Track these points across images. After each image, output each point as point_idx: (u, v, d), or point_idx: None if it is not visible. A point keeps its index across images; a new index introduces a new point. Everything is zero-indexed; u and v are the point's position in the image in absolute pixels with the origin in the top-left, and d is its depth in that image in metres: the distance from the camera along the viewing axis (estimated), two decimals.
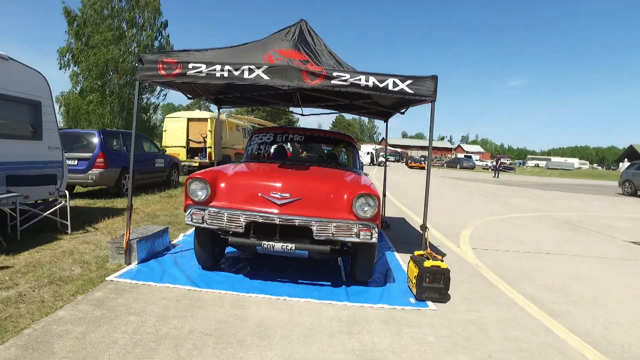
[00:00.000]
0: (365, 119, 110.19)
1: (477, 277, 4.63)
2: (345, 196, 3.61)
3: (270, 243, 3.62)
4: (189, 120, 16.28)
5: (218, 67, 4.00)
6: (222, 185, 3.74)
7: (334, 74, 4.00)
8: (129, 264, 4.13)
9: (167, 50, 23.93)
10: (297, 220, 3.58)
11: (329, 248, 3.64)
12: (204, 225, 3.69)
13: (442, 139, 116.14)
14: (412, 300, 3.73)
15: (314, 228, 3.57)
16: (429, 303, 3.68)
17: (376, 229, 3.61)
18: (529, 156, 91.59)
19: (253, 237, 3.69)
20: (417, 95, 4.05)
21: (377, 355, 2.68)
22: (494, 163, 32.89)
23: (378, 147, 54.37)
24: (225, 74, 4.00)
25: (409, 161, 41.57)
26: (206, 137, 16.06)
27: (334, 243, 3.70)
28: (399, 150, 57.20)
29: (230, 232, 3.78)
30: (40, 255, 4.30)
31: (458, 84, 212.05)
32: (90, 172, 8.09)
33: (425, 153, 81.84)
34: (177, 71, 4.02)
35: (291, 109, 7.81)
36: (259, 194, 3.64)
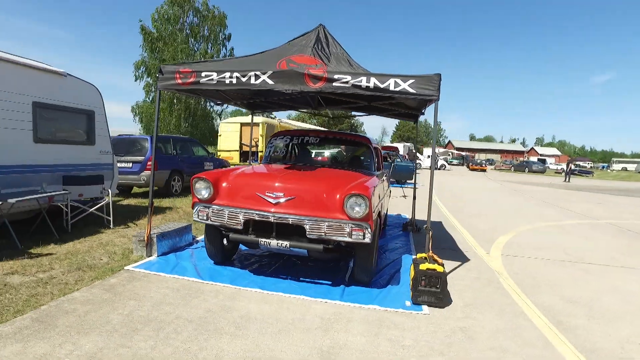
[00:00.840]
0: (431, 122, 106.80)
1: (492, 284, 4.38)
2: (338, 196, 3.66)
3: (267, 240, 3.80)
4: (242, 125, 17.16)
5: (227, 74, 4.27)
6: (224, 184, 3.99)
7: (335, 76, 4.07)
8: (150, 256, 4.55)
9: None
10: (290, 219, 3.71)
11: (322, 247, 3.71)
12: (209, 221, 3.97)
13: (514, 141, 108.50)
14: (408, 303, 3.66)
15: (307, 227, 3.67)
16: (425, 307, 3.59)
17: (369, 229, 3.61)
18: (614, 159, 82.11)
19: (252, 234, 3.89)
20: (419, 95, 3.97)
21: (343, 354, 2.71)
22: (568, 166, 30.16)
23: (442, 150, 52.44)
24: (234, 81, 4.26)
25: (470, 164, 40.04)
26: (258, 141, 16.80)
27: (328, 242, 3.76)
28: (463, 153, 54.64)
29: (233, 229, 4.01)
30: (81, 245, 4.90)
31: (535, 82, 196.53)
32: (142, 174, 8.94)
33: (493, 156, 77.15)
34: (192, 79, 4.36)
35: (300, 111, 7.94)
36: (256, 193, 3.83)
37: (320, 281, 4.15)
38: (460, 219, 8.92)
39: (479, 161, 41.20)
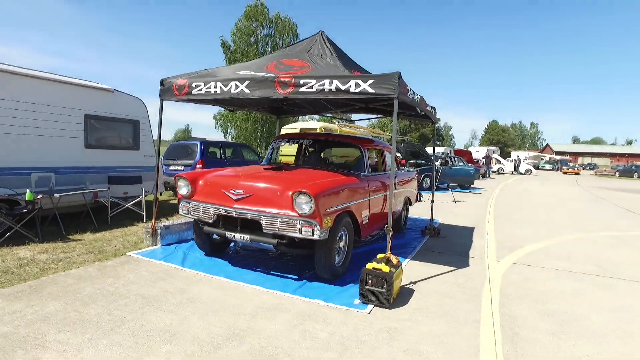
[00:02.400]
0: (527, 124, 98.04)
1: (470, 291, 4.14)
2: (289, 193, 3.86)
3: (232, 233, 4.16)
4: (301, 130, 17.90)
5: (212, 84, 4.74)
6: (200, 182, 4.45)
7: (302, 81, 4.27)
8: (155, 245, 5.21)
9: None
10: (249, 214, 4.01)
11: (276, 241, 3.95)
12: (189, 215, 4.47)
13: (630, 143, 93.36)
14: (357, 301, 3.69)
15: (263, 222, 3.95)
16: (371, 306, 3.59)
17: (318, 226, 3.74)
18: None
19: (222, 228, 4.28)
20: (379, 95, 3.97)
21: (251, 336, 2.92)
22: None
23: (532, 154, 47.80)
24: (218, 90, 4.71)
25: (563, 167, 36.20)
26: None
27: (282, 237, 3.97)
28: (557, 157, 48.94)
29: (206, 223, 4.45)
30: (109, 234, 5.80)
31: None
32: None
33: (600, 160, 67.52)
34: (185, 91, 4.93)
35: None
36: (222, 191, 4.21)
37: (288, 275, 4.36)
38: (499, 224, 8.27)
39: (572, 165, 37.00)
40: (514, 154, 41.01)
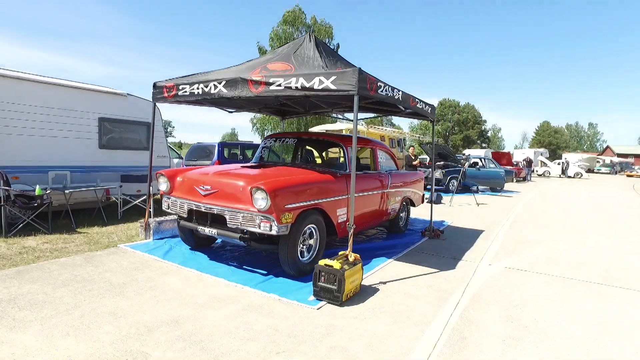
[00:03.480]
0: (585, 125, 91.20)
1: (437, 293, 3.99)
2: (248, 189, 3.96)
3: (203, 227, 4.33)
4: (327, 132, 17.99)
5: (195, 86, 4.97)
6: (178, 179, 4.67)
7: (271, 80, 4.36)
8: (147, 239, 5.53)
9: None
10: (215, 209, 4.16)
11: (238, 236, 4.06)
12: (169, 210, 4.71)
13: None
14: (311, 297, 3.70)
15: (227, 217, 4.08)
16: (323, 303, 3.59)
17: (275, 222, 3.81)
18: None
19: (194, 222, 4.47)
20: (340, 91, 3.97)
21: (189, 323, 3.04)
22: None
23: (585, 156, 44.31)
24: (200, 91, 4.93)
25: (626, 171, 33.29)
26: None
27: (244, 232, 4.07)
28: (617, 159, 44.77)
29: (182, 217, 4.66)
30: (113, 228, 6.22)
31: None
32: None
33: None
34: (174, 92, 5.20)
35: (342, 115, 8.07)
36: (194, 187, 4.40)
37: (258, 270, 4.46)
38: (514, 228, 7.82)
39: (637, 168, 33.91)
40: (563, 157, 38.35)
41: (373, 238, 6.48)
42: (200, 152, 10.78)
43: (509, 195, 14.75)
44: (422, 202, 7.95)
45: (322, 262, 3.68)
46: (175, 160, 10.84)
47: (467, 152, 30.07)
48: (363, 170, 5.93)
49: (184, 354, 2.62)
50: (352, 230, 4.03)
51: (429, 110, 6.20)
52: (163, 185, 4.72)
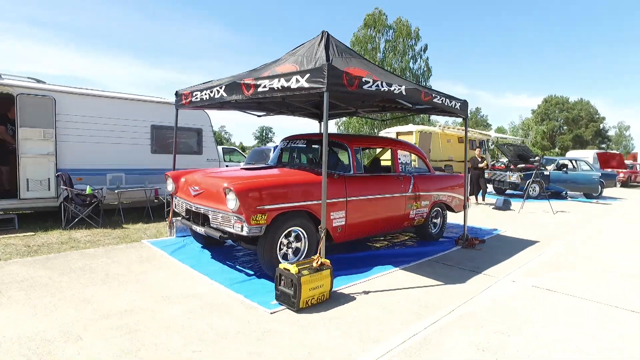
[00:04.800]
0: None
1: (422, 310, 3.57)
2: (221, 190, 4.03)
3: (195, 226, 4.54)
4: (398, 134, 17.34)
5: (205, 91, 5.25)
6: (181, 180, 4.97)
7: (259, 82, 4.40)
8: (171, 236, 5.99)
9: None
10: (202, 209, 4.34)
11: (219, 235, 4.16)
12: (176, 210, 5.04)
13: None
14: (274, 302, 3.61)
15: (210, 216, 4.22)
16: (282, 308, 3.48)
17: (245, 222, 3.82)
18: None
19: (191, 221, 4.71)
20: (313, 89, 3.83)
21: (139, 316, 3.21)
22: None
23: None
24: (207, 97, 5.20)
25: None
26: None
27: (224, 231, 4.15)
28: None
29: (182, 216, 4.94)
30: (153, 226, 6.87)
31: None
32: None
33: None
34: (189, 99, 5.57)
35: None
36: (188, 187, 4.63)
37: (246, 270, 4.51)
38: (582, 242, 6.57)
39: None
40: None
41: (398, 244, 6.07)
42: (259, 156, 11.33)
43: (607, 202, 12.46)
44: (464, 208, 7.19)
45: (282, 265, 3.57)
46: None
47: (570, 153, 26.22)
48: (380, 172, 5.62)
49: (111, 341, 2.78)
50: (322, 234, 3.83)
51: (455, 106, 5.60)
52: (170, 186, 5.08)
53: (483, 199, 11.37)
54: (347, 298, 3.78)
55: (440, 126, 18.46)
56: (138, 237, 5.93)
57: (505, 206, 9.99)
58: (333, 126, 32.71)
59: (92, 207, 6.49)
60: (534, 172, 10.86)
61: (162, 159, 8.04)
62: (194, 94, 5.44)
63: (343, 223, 4.73)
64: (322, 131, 3.89)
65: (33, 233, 5.87)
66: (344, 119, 33.07)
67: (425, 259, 5.27)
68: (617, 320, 3.44)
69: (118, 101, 7.48)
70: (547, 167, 12.88)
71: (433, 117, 32.82)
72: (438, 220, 6.52)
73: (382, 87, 4.34)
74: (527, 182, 12.08)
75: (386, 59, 31.59)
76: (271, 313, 3.38)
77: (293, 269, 3.46)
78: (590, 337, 3.11)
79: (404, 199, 5.61)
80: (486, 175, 14.11)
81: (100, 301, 3.47)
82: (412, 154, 6.28)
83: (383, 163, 6.88)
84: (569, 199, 13.21)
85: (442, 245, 6.03)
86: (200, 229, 4.43)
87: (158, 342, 2.80)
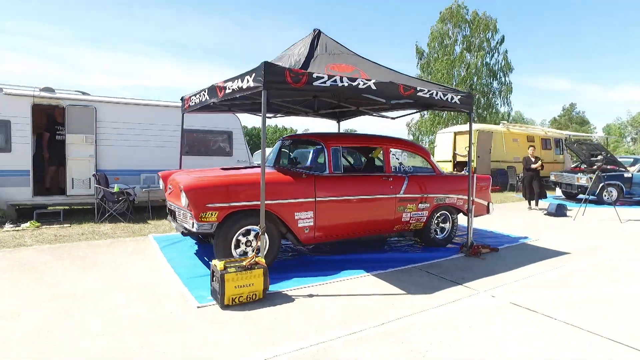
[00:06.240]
0: None
1: (348, 317, 3.36)
2: (179, 188, 4.24)
3: (173, 222, 4.85)
4: (455, 134, 16.22)
5: (198, 95, 5.56)
6: (169, 180, 5.32)
7: (227, 84, 4.53)
8: (177, 231, 6.42)
9: None
10: (172, 206, 4.62)
11: (181, 230, 4.39)
12: (168, 206, 5.43)
13: None
14: (210, 297, 3.69)
15: (176, 213, 4.48)
16: (212, 303, 3.55)
17: (195, 219, 3.98)
18: None
19: (171, 218, 5.03)
20: (253, 89, 3.91)
21: (86, 301, 3.53)
22: None
23: None
24: (197, 101, 5.51)
25: None
26: (470, 150, 15.39)
27: (185, 227, 4.36)
28: None
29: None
30: (167, 222, 7.43)
31: None
32: None
33: None
34: (188, 104, 5.95)
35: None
36: (168, 186, 4.95)
37: None
38: (617, 259, 5.48)
39: None
40: None
41: (396, 249, 5.73)
42: (301, 157, 11.54)
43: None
44: (488, 212, 6.50)
45: (214, 261, 3.64)
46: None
47: None
48: (369, 172, 5.39)
49: (42, 319, 3.12)
50: (261, 232, 3.81)
51: (453, 100, 5.11)
52: (161, 185, 5.48)
53: (536, 204, 10.04)
54: (284, 299, 3.71)
55: (504, 124, 16.80)
56: (147, 232, 6.49)
57: (558, 212, 8.72)
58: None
59: (121, 203, 7.27)
60: (597, 174, 9.29)
61: (193, 160, 8.64)
62: (191, 99, 5.80)
63: (311, 224, 4.62)
64: (261, 127, 3.88)
65: (69, 225, 6.79)
66: (415, 119, 32.01)
67: (410, 266, 4.89)
68: (595, 349, 2.83)
69: (150, 108, 8.28)
70: (629, 168, 10.92)
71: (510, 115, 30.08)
72: (446, 225, 5.99)
73: (342, 82, 4.17)
74: (600, 185, 10.42)
75: (462, 55, 29.71)
76: (198, 307, 3.47)
77: (220, 265, 3.51)
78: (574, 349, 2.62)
79: (394, 201, 5.27)
80: (552, 178, 12.48)
81: (67, 285, 3.91)
82: (412, 153, 5.86)
83: (378, 163, 6.55)
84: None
85: (442, 252, 5.54)
86: (173, 224, 4.72)
87: (77, 324, 3.07)
